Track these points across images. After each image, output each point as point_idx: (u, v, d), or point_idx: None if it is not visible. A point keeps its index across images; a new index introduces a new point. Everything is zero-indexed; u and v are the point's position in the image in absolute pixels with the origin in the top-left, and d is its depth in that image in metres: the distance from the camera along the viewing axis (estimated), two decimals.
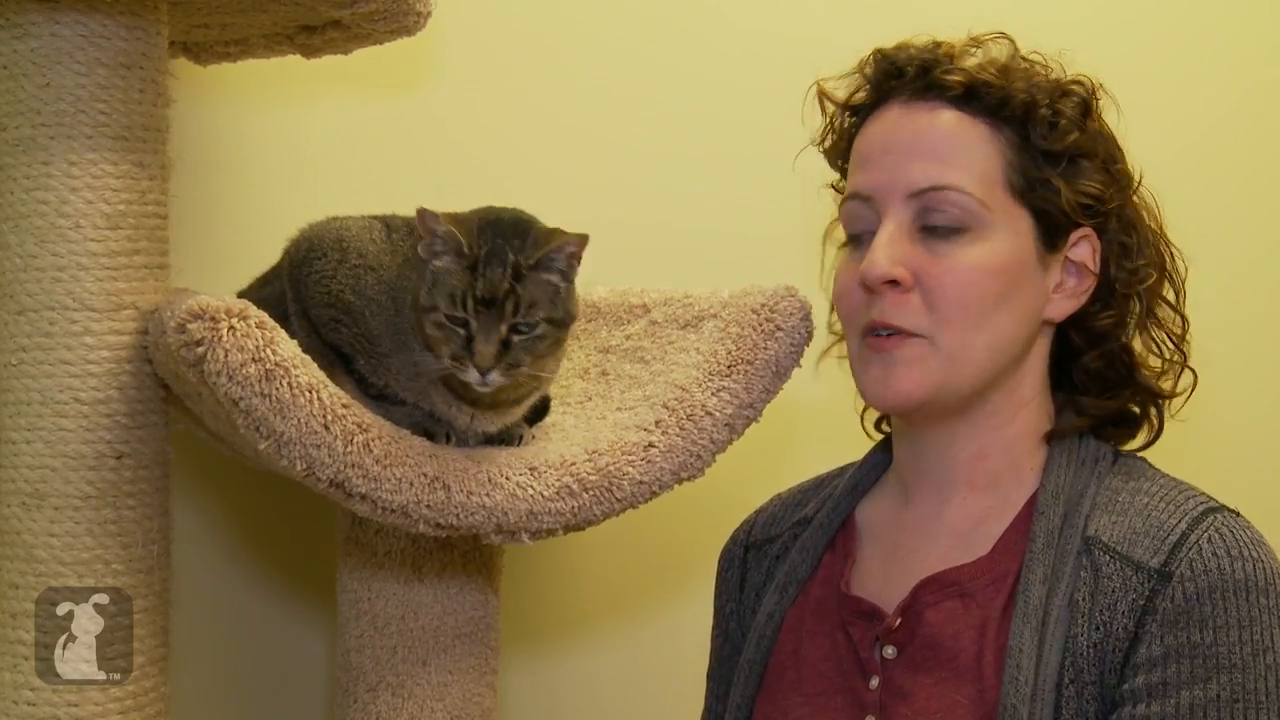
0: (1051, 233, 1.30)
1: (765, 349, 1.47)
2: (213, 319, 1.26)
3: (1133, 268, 1.33)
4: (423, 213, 1.34)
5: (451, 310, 1.32)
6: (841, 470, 1.49)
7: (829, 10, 2.03)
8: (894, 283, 1.27)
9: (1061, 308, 1.33)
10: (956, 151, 1.29)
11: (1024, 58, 1.34)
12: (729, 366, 1.46)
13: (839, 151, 1.41)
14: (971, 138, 1.29)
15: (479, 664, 1.57)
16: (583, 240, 1.36)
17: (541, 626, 1.97)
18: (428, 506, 1.32)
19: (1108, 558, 1.23)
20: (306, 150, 1.86)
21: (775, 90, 1.98)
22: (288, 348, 1.29)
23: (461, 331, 1.32)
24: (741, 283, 1.54)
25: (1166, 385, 1.37)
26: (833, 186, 1.46)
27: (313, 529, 1.78)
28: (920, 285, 1.28)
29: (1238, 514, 1.26)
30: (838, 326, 1.43)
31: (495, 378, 1.33)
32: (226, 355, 1.25)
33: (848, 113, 1.39)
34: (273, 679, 1.89)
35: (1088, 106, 1.32)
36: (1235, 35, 2.18)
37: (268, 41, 1.62)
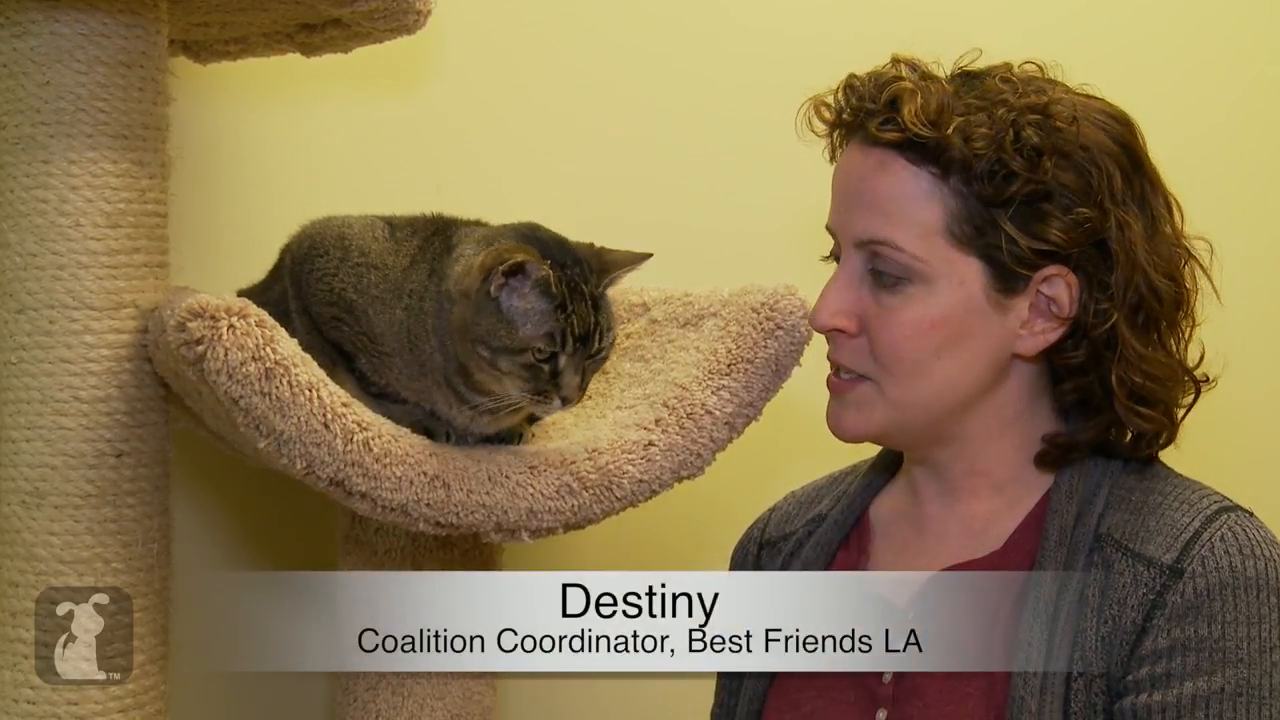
0: (1007, 277, 1.27)
1: (765, 347, 1.47)
2: (212, 317, 1.25)
3: (1100, 308, 1.27)
4: (508, 259, 1.30)
5: (551, 347, 1.31)
6: (854, 468, 1.50)
7: (829, 8, 2.03)
8: (840, 331, 1.30)
9: (1029, 344, 1.29)
10: (895, 204, 1.27)
11: (974, 90, 1.27)
12: (729, 365, 1.46)
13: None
14: (912, 190, 1.27)
15: None
16: (642, 259, 1.38)
17: None
18: (427, 505, 1.32)
19: (1120, 554, 1.23)
20: (306, 149, 1.86)
21: (776, 88, 1.98)
22: (287, 346, 1.29)
23: (547, 367, 1.32)
24: (742, 281, 1.54)
25: (1149, 422, 1.30)
26: None
27: (313, 527, 1.77)
28: (865, 333, 1.30)
29: (1251, 514, 1.26)
30: None
31: (573, 405, 1.35)
32: (226, 353, 1.25)
33: (837, 131, 1.37)
34: (273, 677, 1.89)
35: (1040, 148, 1.24)
36: (1238, 33, 2.19)
37: (267, 40, 1.62)
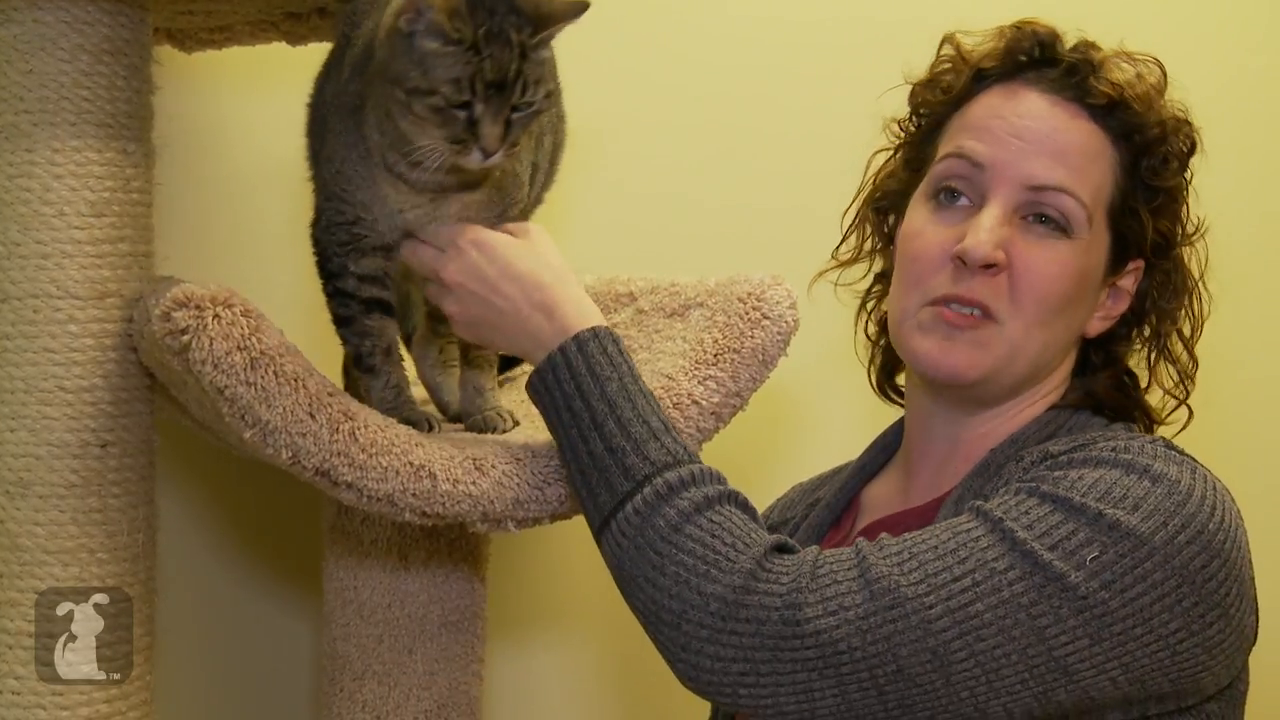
0: (1119, 258, 1.34)
1: (752, 338, 1.47)
2: (198, 307, 1.25)
3: (1169, 307, 1.37)
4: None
5: (457, 95, 1.26)
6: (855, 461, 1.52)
7: None
8: (992, 265, 1.30)
9: (1097, 326, 1.37)
10: (1083, 160, 1.31)
11: (1154, 86, 1.35)
12: (715, 355, 1.46)
13: (950, 103, 1.39)
14: (1096, 151, 1.32)
15: (465, 652, 1.57)
16: (582, 8, 1.32)
17: (528, 615, 1.97)
18: (414, 495, 1.32)
19: (1019, 458, 1.28)
20: (291, 137, 1.85)
21: (770, 77, 1.98)
22: (273, 336, 1.29)
23: (462, 115, 1.27)
24: (729, 270, 1.54)
25: (1164, 412, 1.40)
26: (896, 123, 1.46)
27: (299, 517, 1.77)
28: (1010, 269, 1.30)
29: (1174, 445, 1.27)
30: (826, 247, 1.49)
31: (498, 159, 1.30)
32: (211, 343, 1.24)
33: (970, 72, 1.37)
34: (259, 668, 1.89)
35: (1194, 149, 1.35)
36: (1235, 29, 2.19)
37: (253, 29, 1.61)
